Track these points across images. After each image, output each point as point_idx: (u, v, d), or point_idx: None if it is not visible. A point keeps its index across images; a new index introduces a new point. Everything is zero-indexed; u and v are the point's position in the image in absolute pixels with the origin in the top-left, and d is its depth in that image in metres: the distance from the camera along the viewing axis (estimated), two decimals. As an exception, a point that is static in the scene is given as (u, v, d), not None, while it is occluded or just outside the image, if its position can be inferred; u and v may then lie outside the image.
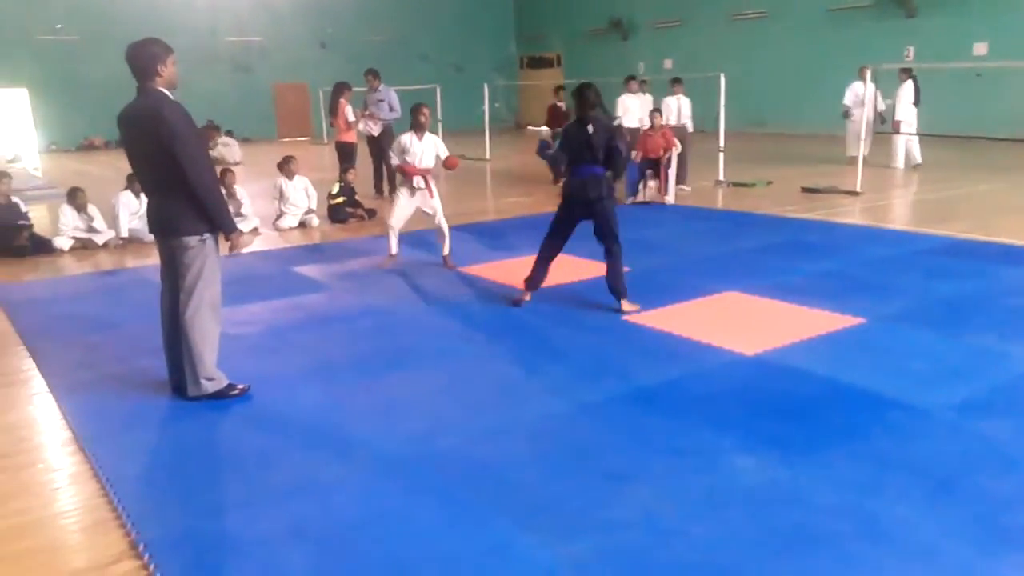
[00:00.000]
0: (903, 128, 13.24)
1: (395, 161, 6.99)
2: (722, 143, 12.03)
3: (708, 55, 21.85)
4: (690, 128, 12.17)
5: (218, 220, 3.95)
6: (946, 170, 12.99)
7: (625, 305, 5.57)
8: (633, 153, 11.10)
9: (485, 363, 4.68)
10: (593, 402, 4.02)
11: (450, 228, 7.25)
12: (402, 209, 7.00)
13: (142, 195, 8.42)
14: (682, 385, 4.23)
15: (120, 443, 3.71)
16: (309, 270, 7.19)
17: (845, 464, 3.29)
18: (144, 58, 3.85)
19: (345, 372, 4.56)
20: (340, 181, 9.80)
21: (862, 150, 11.28)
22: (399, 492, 3.18)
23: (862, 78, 13.12)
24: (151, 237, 8.33)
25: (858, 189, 10.67)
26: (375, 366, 4.65)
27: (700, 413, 3.85)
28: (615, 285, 5.61)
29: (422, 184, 6.92)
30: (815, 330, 5.02)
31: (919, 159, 13.18)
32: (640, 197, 10.60)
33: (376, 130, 11.29)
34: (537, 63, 29.88)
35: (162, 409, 4.10)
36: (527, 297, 5.84)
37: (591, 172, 5.44)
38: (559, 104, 12.75)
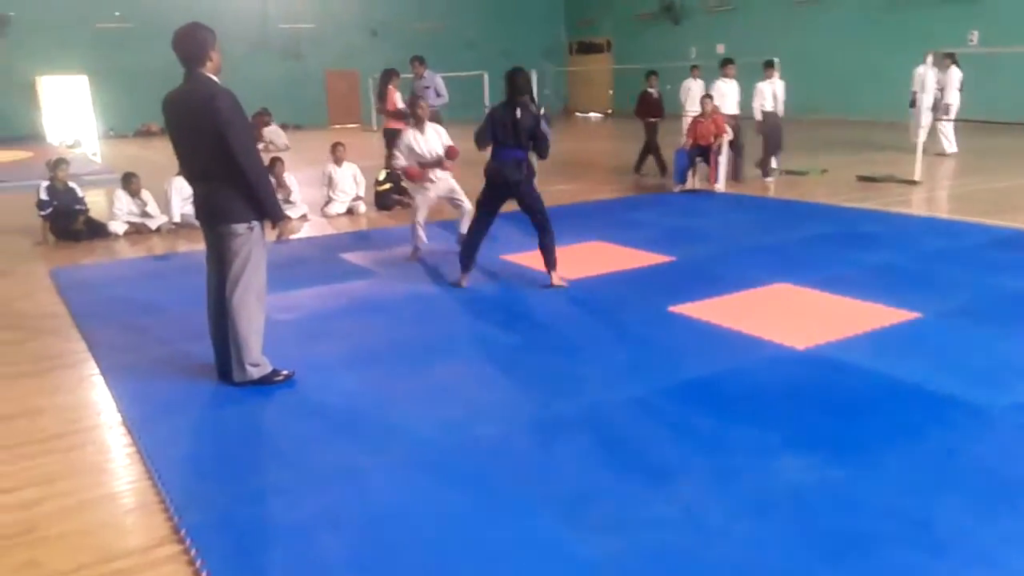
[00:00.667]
0: (951, 114, 13.23)
1: (401, 163, 6.83)
2: (922, 136, 11.63)
3: (762, 40, 21.34)
4: (781, 113, 11.27)
5: (267, 208, 3.94)
6: (1009, 158, 12.50)
7: (554, 279, 5.89)
8: (683, 139, 10.95)
9: (526, 353, 4.63)
10: (637, 395, 3.94)
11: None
12: (423, 203, 6.98)
13: (193, 181, 8.57)
14: (729, 379, 4.12)
15: (166, 427, 3.76)
16: (355, 257, 7.22)
17: (900, 465, 3.17)
18: (194, 43, 3.85)
19: (387, 359, 4.56)
20: (387, 168, 9.81)
21: (921, 137, 10.89)
22: (436, 481, 3.16)
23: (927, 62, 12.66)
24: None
25: (916, 178, 10.32)
26: (416, 353, 4.64)
27: (748, 409, 3.74)
28: (548, 258, 5.88)
29: (437, 175, 6.92)
30: (869, 325, 4.85)
31: (953, 148, 13.16)
32: (689, 184, 10.42)
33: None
34: (587, 48, 29.59)
35: (207, 394, 4.15)
36: (464, 282, 6.01)
37: (513, 156, 5.67)
38: (651, 91, 12.05)
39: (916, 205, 8.98)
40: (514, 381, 4.21)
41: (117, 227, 8.48)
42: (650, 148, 11.91)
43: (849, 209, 8.83)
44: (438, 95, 11.33)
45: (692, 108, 14.04)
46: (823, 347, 4.52)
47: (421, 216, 6.96)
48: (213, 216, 4.00)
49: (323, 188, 9.56)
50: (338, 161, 9.49)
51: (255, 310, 4.05)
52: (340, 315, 5.44)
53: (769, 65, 11.32)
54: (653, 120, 11.89)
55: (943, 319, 4.94)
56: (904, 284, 5.72)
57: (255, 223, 3.98)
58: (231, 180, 3.84)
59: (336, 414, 3.84)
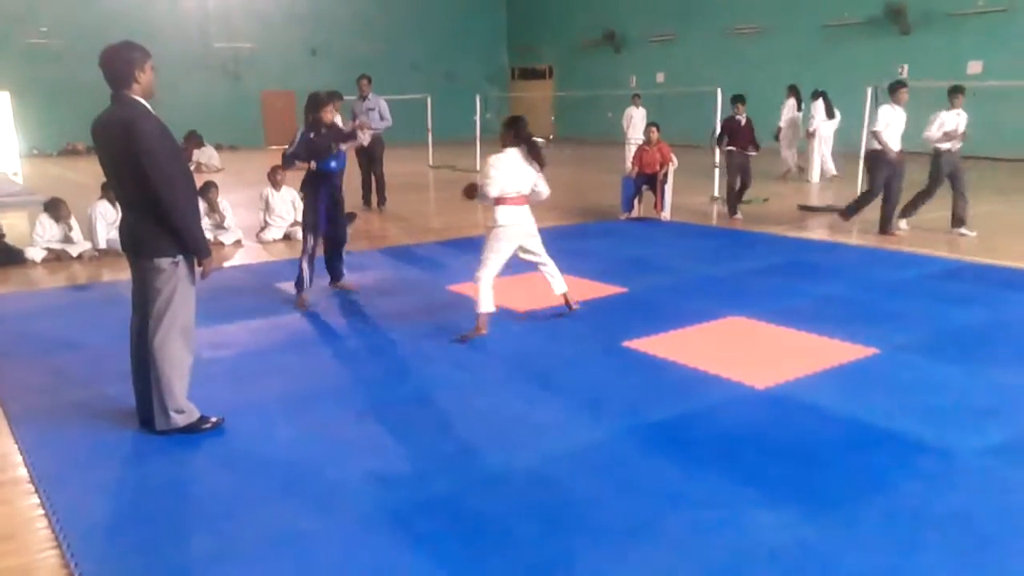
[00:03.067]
0: (819, 142, 14.33)
1: (493, 193, 5.22)
2: (717, 159, 11.80)
3: (701, 69, 21.71)
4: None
5: (191, 243, 3.63)
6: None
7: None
8: (629, 167, 10.89)
9: (478, 394, 4.36)
10: (596, 441, 3.72)
11: (438, 243, 6.96)
12: (501, 254, 5.36)
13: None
14: (690, 423, 3.94)
15: (80, 484, 3.38)
16: (292, 286, 6.84)
17: (875, 521, 3.01)
18: (120, 63, 3.52)
19: (328, 403, 4.24)
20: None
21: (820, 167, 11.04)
22: (384, 547, 2.86)
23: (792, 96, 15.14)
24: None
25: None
26: (361, 396, 4.33)
27: (713, 457, 3.55)
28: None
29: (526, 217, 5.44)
30: (827, 361, 4.75)
31: (834, 171, 14.36)
32: (635, 213, 10.35)
33: (366, 139, 10.95)
34: (529, 74, 29.70)
35: (127, 444, 3.76)
36: (304, 304, 6.16)
37: None
38: (739, 118, 10.26)
39: (857, 235, 9.06)
40: (465, 427, 3.93)
41: (35, 254, 7.93)
42: (744, 183, 10.33)
43: (794, 239, 8.86)
44: (382, 118, 11.07)
45: (635, 136, 14.12)
46: (784, 386, 4.38)
47: (490, 272, 5.36)
48: (136, 248, 3.68)
49: (259, 212, 9.16)
50: (276, 185, 9.12)
51: (180, 351, 3.71)
52: (276, 352, 5.09)
53: (957, 91, 9.18)
54: (743, 150, 10.17)
55: (900, 354, 4.87)
56: (857, 317, 5.66)
57: (180, 258, 3.65)
58: (154, 211, 3.53)
59: (271, 468, 3.50)
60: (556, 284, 5.69)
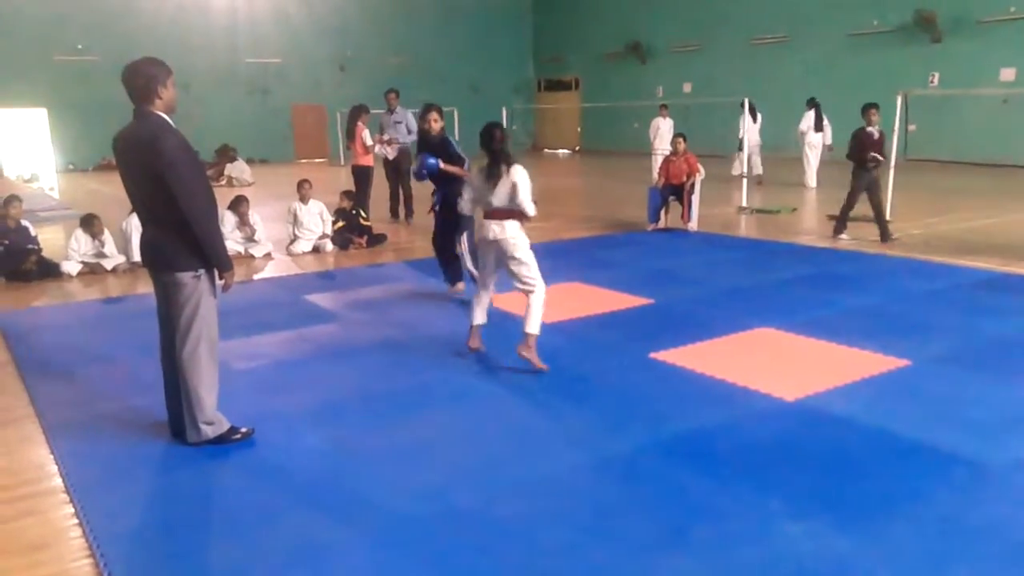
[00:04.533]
0: (808, 151, 14.96)
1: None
2: (745, 168, 11.77)
3: (727, 79, 21.66)
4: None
5: (212, 257, 3.66)
6: (977, 198, 12.64)
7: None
8: (655, 178, 10.87)
9: (503, 406, 4.37)
10: (622, 453, 3.71)
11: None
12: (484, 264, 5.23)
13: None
14: (718, 434, 3.91)
15: (113, 495, 3.43)
16: (320, 298, 6.93)
17: (906, 532, 2.96)
18: (142, 79, 3.57)
19: (354, 414, 4.27)
20: (347, 207, 9.54)
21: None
22: (410, 561, 2.88)
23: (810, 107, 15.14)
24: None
25: (888, 217, 10.32)
26: (386, 408, 4.36)
27: (741, 468, 3.52)
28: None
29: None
30: (858, 373, 4.69)
31: (759, 170, 15.23)
32: (661, 224, 10.32)
33: (392, 153, 11.09)
34: (555, 86, 29.79)
35: (159, 455, 3.82)
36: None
37: None
38: (871, 129, 9.22)
39: (889, 245, 8.94)
40: (492, 439, 3.94)
41: (71, 267, 8.09)
42: (876, 203, 9.31)
43: (823, 249, 8.78)
44: (409, 131, 11.16)
45: (662, 147, 14.12)
46: (813, 398, 4.33)
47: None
48: (158, 263, 3.73)
49: (288, 226, 9.27)
50: (304, 199, 9.23)
51: (207, 364, 3.75)
52: (304, 364, 5.14)
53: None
54: (872, 164, 9.14)
55: (933, 366, 4.80)
56: (888, 328, 5.59)
57: (202, 271, 3.69)
58: (175, 225, 3.57)
59: (299, 480, 3.54)
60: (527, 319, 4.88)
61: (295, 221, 9.18)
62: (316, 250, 9.16)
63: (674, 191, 10.23)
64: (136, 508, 3.35)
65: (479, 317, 5.17)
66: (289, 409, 4.32)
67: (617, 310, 6.31)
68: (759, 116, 15.53)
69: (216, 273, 3.75)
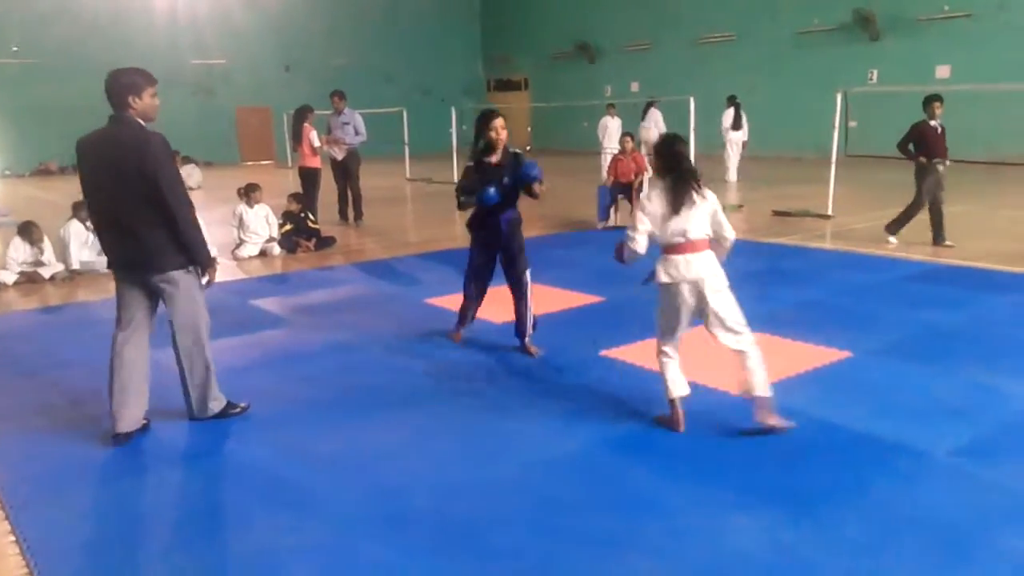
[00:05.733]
0: (729, 148, 15.60)
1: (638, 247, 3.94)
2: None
3: (675, 78, 21.92)
4: None
5: (197, 253, 3.83)
6: (903, 192, 12.97)
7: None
8: (604, 177, 10.96)
9: (455, 407, 4.35)
10: (574, 451, 3.73)
11: (415, 257, 6.94)
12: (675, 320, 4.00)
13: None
14: (668, 431, 3.94)
15: (50, 509, 3.32)
16: (268, 303, 6.81)
17: (853, 523, 3.03)
18: (117, 87, 3.68)
19: (303, 419, 4.21)
20: (293, 210, 9.40)
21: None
22: (362, 564, 2.85)
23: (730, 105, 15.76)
24: (104, 269, 7.95)
25: (830, 212, 10.58)
26: (339, 412, 4.31)
27: (691, 463, 3.57)
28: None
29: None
30: (802, 365, 4.79)
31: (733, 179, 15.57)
32: (611, 222, 10.40)
33: (340, 154, 10.97)
34: (505, 86, 29.82)
35: (98, 467, 3.71)
36: (458, 338, 5.54)
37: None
38: (933, 123, 8.31)
39: (833, 240, 9.15)
40: (444, 441, 3.92)
41: (6, 276, 7.82)
42: (930, 201, 8.45)
43: (769, 245, 8.93)
44: (357, 132, 11.06)
45: (610, 145, 14.24)
46: (760, 391, 4.40)
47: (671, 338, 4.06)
48: (147, 265, 3.82)
49: (233, 230, 9.10)
50: (250, 202, 9.07)
51: (209, 348, 4.04)
52: (251, 370, 5.05)
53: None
54: (937, 162, 8.33)
55: (874, 358, 4.92)
56: (831, 321, 5.71)
57: (191, 267, 3.87)
58: (159, 226, 3.70)
59: (247, 488, 3.47)
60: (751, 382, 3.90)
61: (240, 224, 9.02)
62: (263, 254, 9.02)
63: (623, 189, 10.33)
64: (76, 522, 3.25)
65: (683, 387, 3.97)
66: (238, 417, 4.24)
67: (568, 308, 6.33)
68: (744, 122, 15.75)
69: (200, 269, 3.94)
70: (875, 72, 18.71)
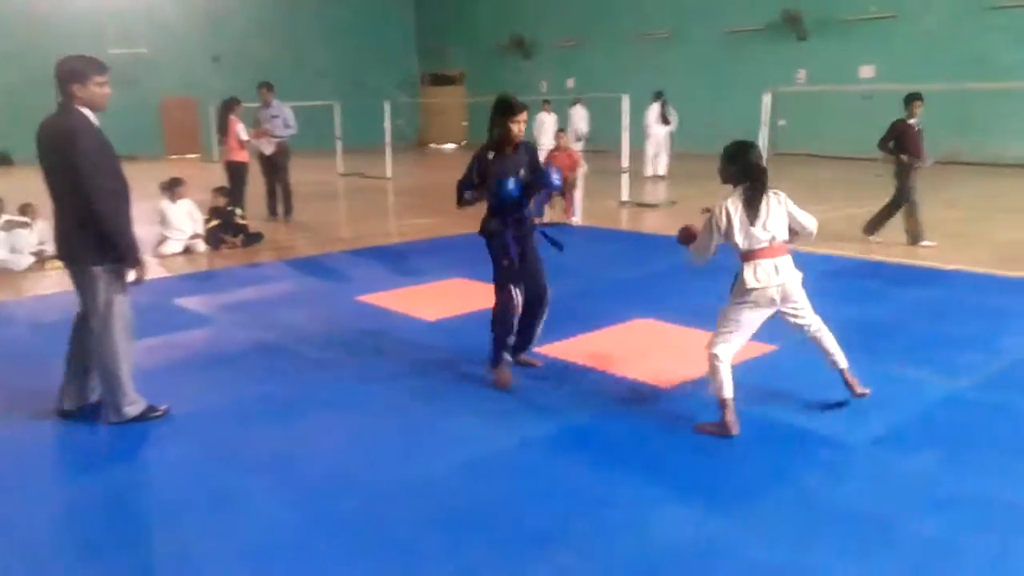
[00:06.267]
0: (652, 143, 15.72)
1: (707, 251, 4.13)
2: (625, 163, 12.05)
3: (611, 74, 22.09)
4: None
5: (121, 251, 3.74)
6: (843, 189, 13.40)
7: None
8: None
9: (386, 408, 4.28)
10: (507, 448, 3.70)
11: (347, 253, 6.80)
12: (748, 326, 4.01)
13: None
14: (601, 425, 3.96)
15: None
16: (191, 302, 6.59)
17: (777, 512, 3.09)
18: (62, 73, 3.67)
19: (227, 422, 4.08)
20: (219, 204, 9.13)
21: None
22: (286, 569, 2.76)
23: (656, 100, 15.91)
24: (18, 268, 7.60)
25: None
26: (262, 414, 4.19)
27: (622, 457, 3.58)
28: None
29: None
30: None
31: (661, 172, 15.79)
32: (546, 218, 10.41)
33: (269, 148, 10.71)
34: (439, 80, 29.62)
35: (10, 473, 3.52)
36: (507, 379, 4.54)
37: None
38: (912, 122, 8.27)
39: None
40: (373, 442, 3.85)
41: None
42: (906, 199, 8.39)
43: (700, 240, 9.05)
44: (287, 125, 10.82)
45: (546, 142, 14.26)
46: (688, 384, 4.47)
47: (731, 348, 3.99)
48: (71, 256, 3.79)
49: (155, 226, 8.77)
50: (173, 197, 8.77)
51: (125, 346, 3.89)
52: (173, 371, 4.87)
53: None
54: (914, 161, 8.26)
55: (799, 350, 5.00)
56: (759, 315, 5.81)
57: (113, 265, 3.78)
58: (80, 218, 3.66)
59: (168, 494, 3.34)
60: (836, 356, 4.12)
61: (163, 221, 8.71)
62: (187, 251, 8.73)
63: (557, 185, 10.34)
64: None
65: (731, 387, 3.87)
66: (157, 420, 4.08)
67: (501, 305, 6.29)
68: (671, 118, 15.97)
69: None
70: (803, 72, 19.20)
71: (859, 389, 4.08)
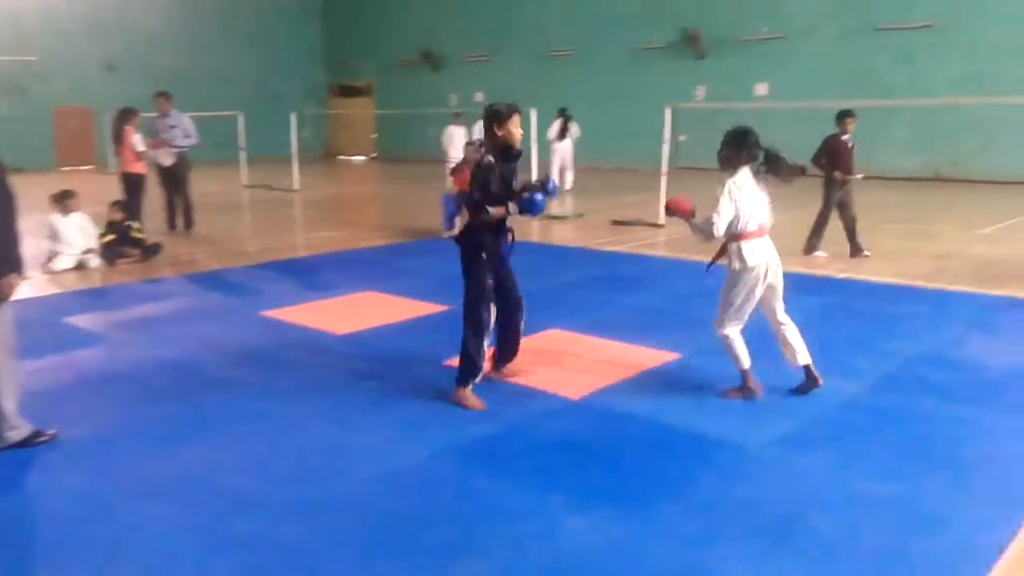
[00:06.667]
0: (556, 158, 15.88)
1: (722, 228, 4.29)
2: (534, 177, 12.18)
3: (520, 89, 22.30)
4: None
5: (10, 263, 3.61)
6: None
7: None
8: (450, 185, 10.97)
9: (291, 425, 4.17)
10: (416, 463, 3.68)
11: (252, 267, 6.62)
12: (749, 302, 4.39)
13: None
14: (510, 437, 3.99)
15: None
16: (84, 320, 6.29)
17: (679, 516, 3.17)
18: None
19: (125, 443, 3.91)
20: (116, 218, 8.75)
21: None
22: (185, 597, 2.67)
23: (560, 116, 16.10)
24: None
25: (661, 221, 11.11)
26: (164, 434, 4.03)
27: (531, 468, 3.61)
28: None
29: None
30: (636, 368, 4.98)
31: (567, 186, 15.97)
32: (457, 230, 10.42)
33: (168, 160, 10.35)
34: (348, 91, 29.30)
35: None
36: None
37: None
38: (845, 138, 8.44)
39: (664, 247, 9.61)
40: (278, 461, 3.75)
41: None
42: (849, 218, 8.63)
43: (607, 252, 9.26)
44: (186, 135, 10.49)
45: (455, 154, 14.31)
46: (596, 394, 4.54)
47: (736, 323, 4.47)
48: None
49: (45, 241, 8.33)
50: (64, 211, 8.36)
51: (6, 371, 3.73)
52: (63, 393, 4.63)
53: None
54: (846, 177, 8.46)
55: (700, 358, 5.19)
56: (662, 325, 5.99)
57: None
58: None
59: (59, 525, 3.17)
60: (795, 352, 4.43)
61: (54, 236, 8.29)
62: (80, 267, 8.32)
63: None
64: None
65: (748, 357, 4.36)
66: (44, 446, 3.86)
67: (413, 318, 6.27)
68: (569, 133, 16.09)
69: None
70: (703, 88, 19.90)
71: (819, 380, 4.46)
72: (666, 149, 11.77)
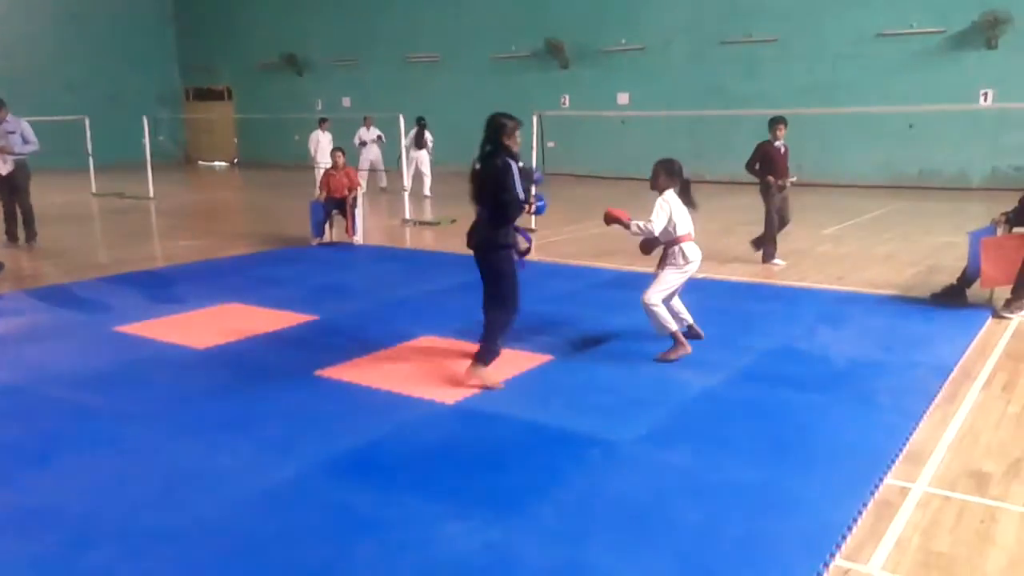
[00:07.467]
0: (412, 166, 15.56)
1: (680, 231, 5.32)
2: (406, 182, 12.14)
3: (386, 95, 22.12)
4: None
5: None
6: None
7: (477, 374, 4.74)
8: (317, 192, 10.73)
9: (151, 447, 3.95)
10: (286, 479, 3.56)
11: (104, 280, 6.23)
12: (676, 286, 5.43)
13: None
14: (384, 446, 3.94)
15: None
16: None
17: (552, 514, 3.23)
18: None
19: (-42, 477, 3.57)
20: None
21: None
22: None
23: (366, 125, 16.55)
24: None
25: (532, 226, 11.29)
26: (4, 467, 3.71)
27: (406, 477, 3.58)
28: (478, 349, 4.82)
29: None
30: (510, 371, 5.03)
31: (426, 192, 15.67)
32: (326, 238, 10.21)
33: (6, 168, 9.59)
34: (205, 95, 28.08)
35: None
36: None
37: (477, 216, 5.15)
38: (778, 144, 8.63)
39: (535, 251, 9.75)
40: (135, 486, 3.53)
41: None
42: (783, 221, 8.82)
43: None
44: (26, 142, 9.74)
45: (323, 160, 14.05)
46: (471, 399, 4.56)
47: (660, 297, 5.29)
48: None
49: None
50: None
51: None
52: None
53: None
54: (780, 182, 8.63)
55: (571, 360, 5.31)
56: (535, 327, 6.05)
57: None
58: None
59: None
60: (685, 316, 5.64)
61: None
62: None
63: (337, 205, 10.18)
64: None
65: (673, 321, 5.31)
66: None
67: (280, 329, 6.08)
68: (426, 141, 15.93)
69: None
70: (567, 97, 20.39)
71: (701, 333, 5.62)
72: (534, 156, 11.98)
